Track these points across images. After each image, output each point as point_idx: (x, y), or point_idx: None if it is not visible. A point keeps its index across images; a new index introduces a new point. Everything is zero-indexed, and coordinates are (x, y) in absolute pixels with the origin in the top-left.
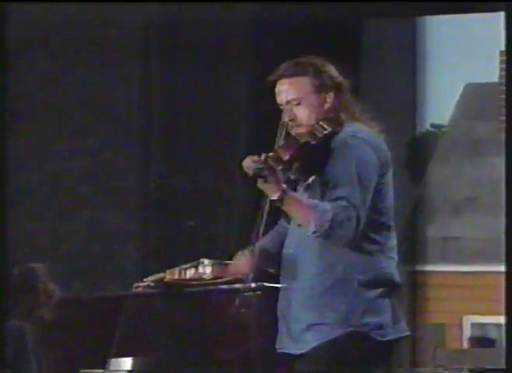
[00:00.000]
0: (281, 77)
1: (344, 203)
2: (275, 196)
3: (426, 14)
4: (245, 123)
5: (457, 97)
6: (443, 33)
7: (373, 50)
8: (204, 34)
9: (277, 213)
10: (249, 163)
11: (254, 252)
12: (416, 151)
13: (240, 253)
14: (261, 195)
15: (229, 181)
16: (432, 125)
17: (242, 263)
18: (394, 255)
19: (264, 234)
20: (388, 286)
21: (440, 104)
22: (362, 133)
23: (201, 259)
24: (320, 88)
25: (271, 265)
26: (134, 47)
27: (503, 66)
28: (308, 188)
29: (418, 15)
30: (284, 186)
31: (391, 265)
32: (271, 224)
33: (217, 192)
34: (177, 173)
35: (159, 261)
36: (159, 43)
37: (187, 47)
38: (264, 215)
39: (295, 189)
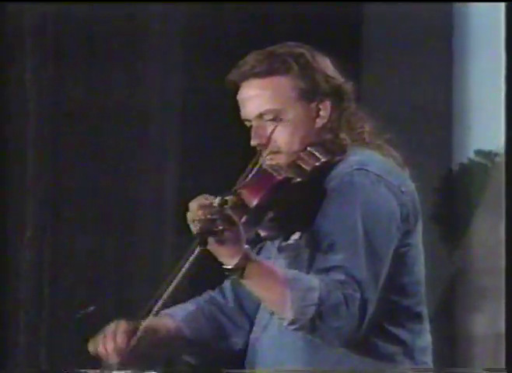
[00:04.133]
0: (247, 76)
1: (341, 275)
2: (230, 264)
3: None
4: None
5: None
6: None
7: (388, 41)
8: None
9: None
10: (195, 211)
11: (139, 329)
12: (456, 194)
13: (112, 327)
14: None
15: None
16: (477, 152)
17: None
18: (428, 359)
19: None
20: None
21: (489, 120)
22: (376, 165)
23: None
24: (311, 95)
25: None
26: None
27: None
28: (287, 251)
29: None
30: (246, 247)
31: None
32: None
33: None
34: None
35: None
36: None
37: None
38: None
39: (266, 254)
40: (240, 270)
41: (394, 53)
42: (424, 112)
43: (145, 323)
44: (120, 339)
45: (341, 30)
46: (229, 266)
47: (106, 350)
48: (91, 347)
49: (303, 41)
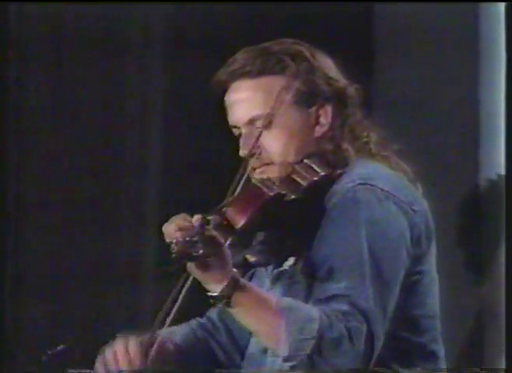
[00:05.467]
0: (237, 76)
1: (344, 306)
2: (216, 290)
3: None
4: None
5: None
6: None
7: (400, 39)
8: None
9: None
10: (172, 231)
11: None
12: (483, 214)
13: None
14: None
15: None
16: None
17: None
18: None
19: None
20: None
21: None
22: (383, 180)
23: None
24: (309, 98)
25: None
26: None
27: None
28: (281, 279)
29: None
30: (234, 271)
31: None
32: None
33: None
34: None
35: None
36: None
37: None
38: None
39: (257, 283)
40: (226, 297)
41: (411, 53)
42: (444, 119)
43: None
44: (135, 356)
45: (351, 29)
46: (214, 294)
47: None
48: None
49: (309, 41)
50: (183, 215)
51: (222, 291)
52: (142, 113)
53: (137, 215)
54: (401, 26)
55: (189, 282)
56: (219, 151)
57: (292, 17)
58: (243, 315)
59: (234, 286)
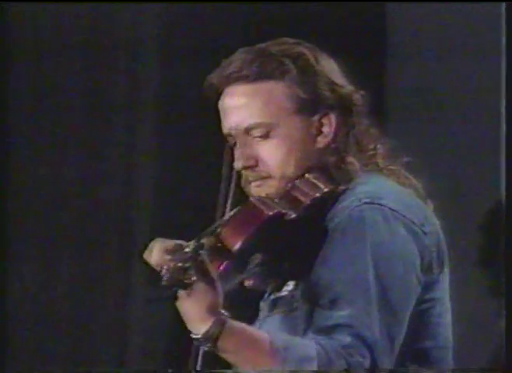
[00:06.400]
0: (232, 80)
1: (346, 337)
2: (199, 331)
3: None
4: None
5: None
6: None
7: (414, 40)
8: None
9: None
10: (159, 257)
11: None
12: (507, 233)
13: None
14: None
15: None
16: None
17: None
18: None
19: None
20: None
21: None
22: (392, 197)
23: None
24: (312, 106)
25: None
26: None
27: None
28: (279, 304)
29: None
30: (222, 312)
31: None
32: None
33: None
34: None
35: None
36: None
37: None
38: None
39: (252, 309)
40: (215, 335)
41: (424, 56)
42: (462, 128)
43: None
44: None
45: (364, 31)
46: (198, 336)
47: None
48: None
49: (316, 42)
50: (163, 241)
51: (206, 333)
52: (131, 118)
53: (126, 237)
54: (413, 29)
55: None
56: (213, 162)
57: (302, 18)
58: (234, 358)
59: (221, 326)
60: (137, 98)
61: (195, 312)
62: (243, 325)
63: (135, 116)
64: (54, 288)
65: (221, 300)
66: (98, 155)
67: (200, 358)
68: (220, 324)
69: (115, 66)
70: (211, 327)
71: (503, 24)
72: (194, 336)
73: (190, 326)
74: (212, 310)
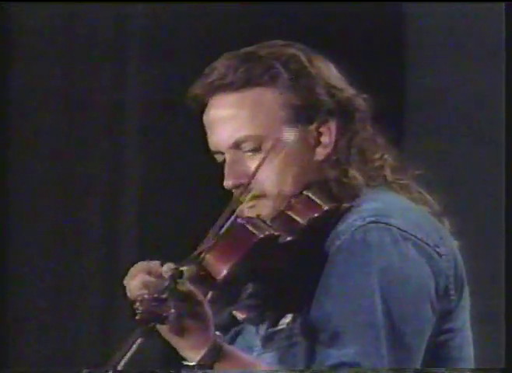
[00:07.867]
0: (216, 89)
1: None
2: (193, 359)
3: None
4: None
5: None
6: None
7: (425, 38)
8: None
9: None
10: (134, 287)
11: None
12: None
13: None
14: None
15: None
16: None
17: None
18: None
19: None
20: None
21: None
22: (400, 216)
23: None
24: (308, 114)
25: None
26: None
27: None
28: (275, 339)
29: None
30: (216, 335)
31: None
32: None
33: None
34: None
35: None
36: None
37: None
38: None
39: (245, 344)
40: (207, 367)
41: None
42: (483, 136)
43: None
44: None
45: (379, 32)
46: (192, 363)
47: None
48: None
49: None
50: (146, 264)
51: (201, 361)
52: (116, 123)
53: (110, 252)
54: (431, 31)
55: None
56: (197, 183)
57: (314, 20)
58: None
59: (216, 354)
60: (121, 101)
61: (184, 343)
62: (240, 351)
63: (120, 126)
64: (54, 288)
65: (211, 323)
66: (81, 161)
67: None
68: (215, 350)
69: (101, 66)
70: (205, 355)
71: (503, 24)
72: (187, 364)
73: (182, 354)
74: (206, 337)
